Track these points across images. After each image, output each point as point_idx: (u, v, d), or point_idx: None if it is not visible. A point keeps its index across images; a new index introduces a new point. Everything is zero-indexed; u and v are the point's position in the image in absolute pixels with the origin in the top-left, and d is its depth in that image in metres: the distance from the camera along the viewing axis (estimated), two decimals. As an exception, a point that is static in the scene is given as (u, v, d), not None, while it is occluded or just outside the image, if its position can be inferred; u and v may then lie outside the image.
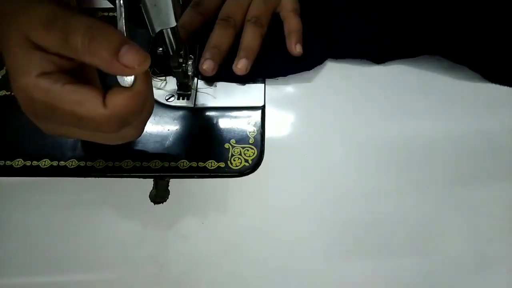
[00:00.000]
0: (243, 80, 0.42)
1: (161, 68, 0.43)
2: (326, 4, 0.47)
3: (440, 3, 0.45)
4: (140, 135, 0.32)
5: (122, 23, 0.28)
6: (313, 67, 0.43)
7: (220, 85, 0.43)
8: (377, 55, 0.44)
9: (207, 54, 0.42)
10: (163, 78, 0.43)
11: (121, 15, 0.28)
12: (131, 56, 0.25)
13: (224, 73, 0.42)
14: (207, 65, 0.41)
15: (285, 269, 0.35)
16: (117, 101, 0.27)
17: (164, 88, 0.42)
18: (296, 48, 0.43)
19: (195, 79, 0.43)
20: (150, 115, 0.31)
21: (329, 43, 0.44)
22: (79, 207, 0.37)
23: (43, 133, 0.39)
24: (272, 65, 0.43)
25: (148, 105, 0.30)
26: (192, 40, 0.44)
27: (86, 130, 0.28)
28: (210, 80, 0.43)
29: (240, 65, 0.41)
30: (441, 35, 0.43)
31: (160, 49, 0.38)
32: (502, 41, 0.43)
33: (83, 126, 0.28)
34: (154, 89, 0.42)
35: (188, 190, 0.38)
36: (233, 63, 0.42)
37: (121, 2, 0.28)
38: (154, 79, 0.42)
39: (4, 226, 0.37)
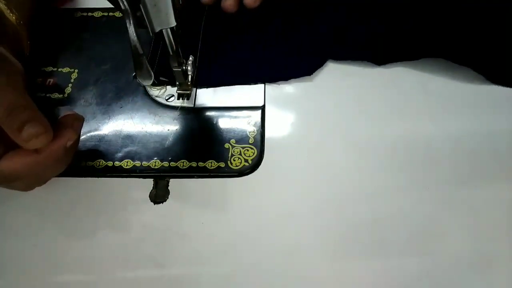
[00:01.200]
0: (243, 83, 0.42)
1: (160, 77, 0.42)
2: (326, 5, 0.47)
3: (442, 5, 0.45)
4: (29, 189, 0.35)
5: (132, 30, 0.29)
6: (314, 71, 0.43)
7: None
8: (378, 57, 0.44)
9: None
10: (162, 87, 0.42)
11: (130, 23, 0.29)
12: (31, 129, 0.29)
13: (223, 78, 0.42)
14: (230, 1, 0.43)
15: (285, 269, 0.35)
16: (6, 163, 0.30)
17: (162, 95, 0.42)
18: None
19: (194, 89, 0.42)
20: (49, 178, 0.35)
21: (329, 45, 0.44)
22: (79, 207, 0.37)
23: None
24: (272, 70, 0.43)
25: (46, 173, 0.34)
26: (193, 42, 0.44)
27: None
28: (210, 86, 0.42)
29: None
30: (443, 37, 0.43)
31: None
32: (505, 42, 0.43)
33: None
34: (153, 96, 0.42)
35: (188, 190, 0.38)
36: (231, 65, 0.42)
37: (128, 7, 0.28)
38: (153, 89, 0.42)
39: (4, 226, 0.37)
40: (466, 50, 0.42)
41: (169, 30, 0.34)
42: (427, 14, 0.45)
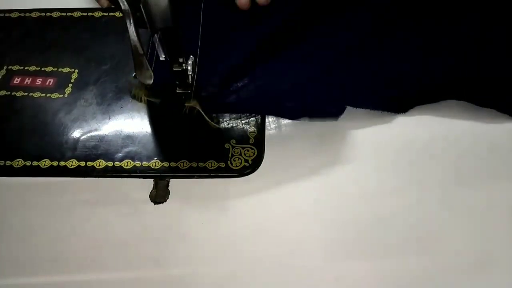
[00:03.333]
0: (244, 111, 0.40)
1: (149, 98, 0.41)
2: (344, 50, 0.44)
3: (463, 48, 0.43)
4: None
5: (132, 30, 0.29)
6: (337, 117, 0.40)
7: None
8: (399, 104, 0.41)
9: None
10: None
11: (130, 23, 0.29)
12: None
13: (227, 105, 0.41)
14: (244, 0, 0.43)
15: (285, 269, 0.35)
16: None
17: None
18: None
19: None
20: None
21: (348, 94, 0.42)
22: (79, 207, 0.37)
23: (43, 133, 0.39)
24: (291, 108, 0.40)
25: None
26: (193, 43, 0.43)
27: None
28: (211, 112, 0.40)
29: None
30: (466, 80, 0.42)
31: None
32: None
33: None
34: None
35: (188, 190, 0.38)
36: (234, 92, 0.40)
37: (128, 7, 0.28)
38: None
39: (4, 226, 0.37)
40: (489, 93, 0.41)
41: (169, 30, 0.34)
42: (447, 58, 0.43)
